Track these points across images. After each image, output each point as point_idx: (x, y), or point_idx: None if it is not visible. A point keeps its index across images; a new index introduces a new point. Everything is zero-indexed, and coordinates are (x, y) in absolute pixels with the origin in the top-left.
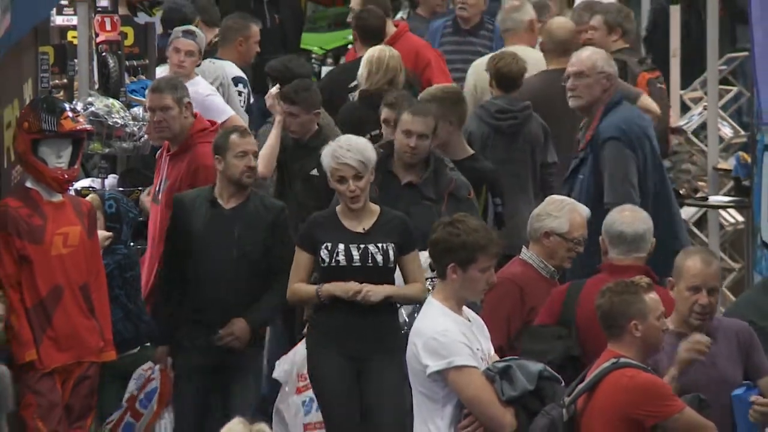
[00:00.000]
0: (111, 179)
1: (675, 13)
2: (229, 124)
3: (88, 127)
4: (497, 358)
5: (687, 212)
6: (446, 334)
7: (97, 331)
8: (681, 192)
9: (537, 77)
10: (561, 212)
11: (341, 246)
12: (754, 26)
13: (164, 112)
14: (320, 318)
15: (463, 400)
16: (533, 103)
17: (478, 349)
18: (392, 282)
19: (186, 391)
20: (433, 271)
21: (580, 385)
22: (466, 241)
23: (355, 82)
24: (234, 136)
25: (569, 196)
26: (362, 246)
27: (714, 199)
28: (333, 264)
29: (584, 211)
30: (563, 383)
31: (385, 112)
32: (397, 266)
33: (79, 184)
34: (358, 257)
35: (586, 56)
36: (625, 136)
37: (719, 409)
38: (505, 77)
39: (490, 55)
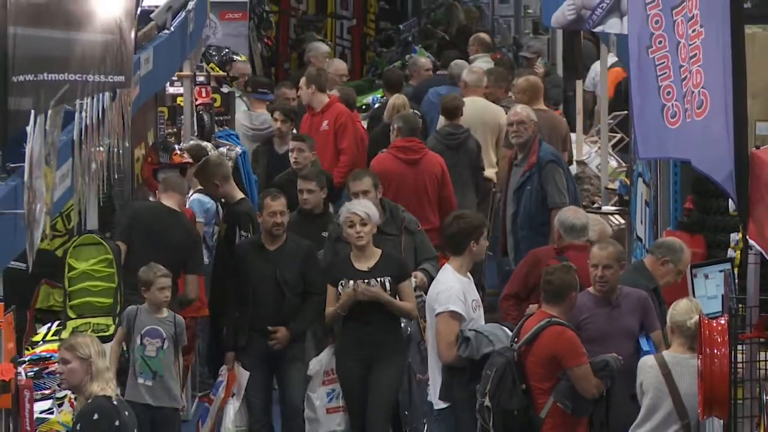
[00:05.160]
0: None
1: (579, 85)
2: None
3: (190, 160)
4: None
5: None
6: (451, 290)
7: None
8: (584, 204)
9: None
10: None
11: (351, 282)
12: (633, 94)
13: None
14: (339, 332)
15: (435, 330)
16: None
17: (473, 300)
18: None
19: (256, 377)
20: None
21: (525, 336)
22: (477, 224)
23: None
24: (267, 199)
25: (519, 202)
26: (365, 281)
27: (605, 208)
28: None
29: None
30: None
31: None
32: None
33: None
34: None
35: (523, 110)
36: (558, 160)
37: (621, 351)
38: (448, 110)
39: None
